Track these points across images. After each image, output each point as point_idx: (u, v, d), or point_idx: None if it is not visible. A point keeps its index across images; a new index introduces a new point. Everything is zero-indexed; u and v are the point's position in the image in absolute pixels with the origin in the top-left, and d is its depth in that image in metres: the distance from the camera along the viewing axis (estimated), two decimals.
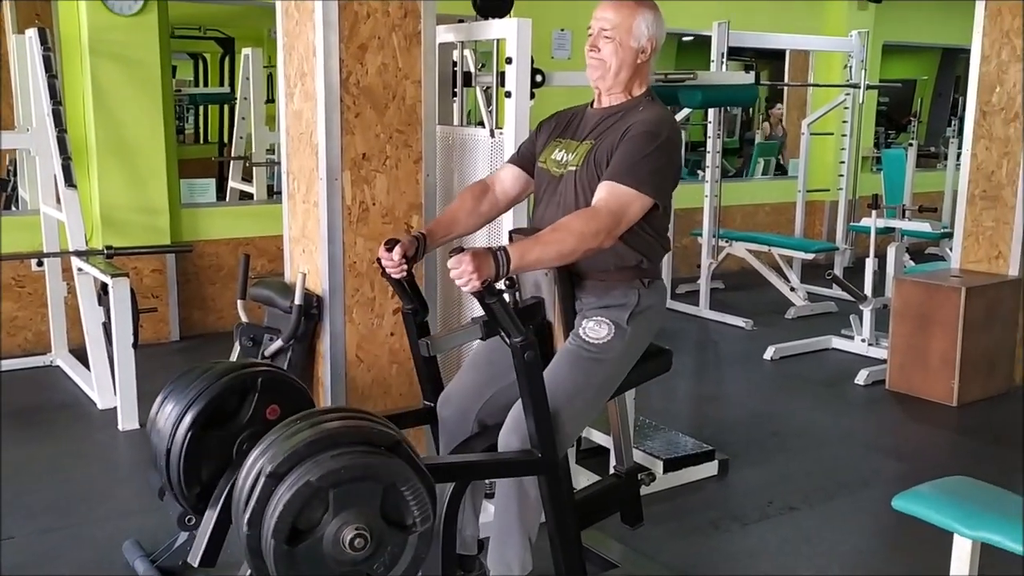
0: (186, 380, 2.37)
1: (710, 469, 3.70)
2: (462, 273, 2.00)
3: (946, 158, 9.22)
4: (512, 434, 2.22)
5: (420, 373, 2.56)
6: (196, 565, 2.31)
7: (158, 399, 2.40)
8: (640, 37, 2.35)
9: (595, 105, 2.46)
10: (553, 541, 2.30)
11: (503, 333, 2.12)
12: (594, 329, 2.30)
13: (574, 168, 2.36)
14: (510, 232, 2.54)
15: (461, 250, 2.03)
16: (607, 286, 2.33)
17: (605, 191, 2.21)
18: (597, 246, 2.17)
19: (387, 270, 2.32)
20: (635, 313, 2.33)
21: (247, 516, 1.73)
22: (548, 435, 2.17)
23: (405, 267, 2.31)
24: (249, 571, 1.79)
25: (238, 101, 7.81)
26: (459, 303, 3.28)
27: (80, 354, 4.84)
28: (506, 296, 2.33)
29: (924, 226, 6.16)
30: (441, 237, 2.47)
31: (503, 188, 2.56)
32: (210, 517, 2.30)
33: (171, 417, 2.32)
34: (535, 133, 2.56)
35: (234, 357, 2.96)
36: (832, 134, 8.05)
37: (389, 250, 2.28)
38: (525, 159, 2.55)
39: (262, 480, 1.74)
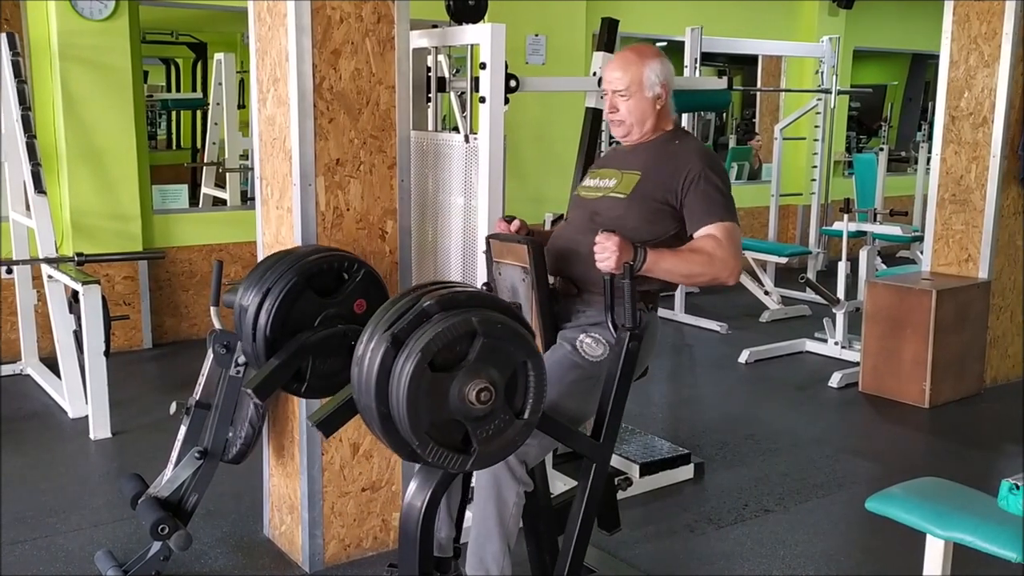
0: (289, 251, 2.59)
1: (686, 473, 3.71)
2: (606, 248, 2.17)
3: (916, 162, 9.33)
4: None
5: None
6: (251, 391, 2.42)
7: (255, 269, 2.56)
8: (653, 86, 2.49)
9: (626, 143, 2.60)
10: (568, 536, 2.28)
11: (613, 317, 2.21)
12: (591, 346, 2.36)
13: (619, 195, 2.47)
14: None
15: (612, 231, 2.20)
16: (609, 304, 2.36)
17: (715, 231, 2.35)
18: (724, 278, 2.34)
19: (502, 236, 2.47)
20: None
21: (394, 330, 1.75)
22: (614, 427, 2.22)
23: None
24: None
25: (211, 106, 7.76)
26: None
27: (51, 362, 4.78)
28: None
29: (895, 230, 6.23)
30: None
31: None
32: (278, 358, 2.43)
33: (279, 268, 2.48)
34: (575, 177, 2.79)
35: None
36: (804, 139, 8.13)
37: (508, 222, 2.47)
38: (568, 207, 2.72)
39: (418, 308, 1.77)
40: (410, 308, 1.78)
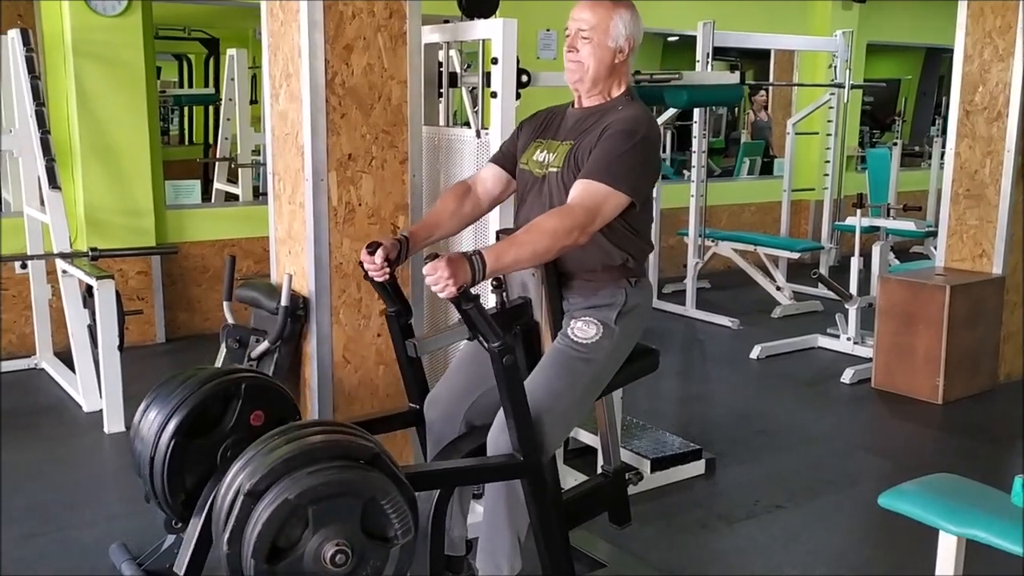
0: (169, 387, 2.36)
1: (697, 468, 3.71)
2: (438, 280, 1.99)
3: (930, 157, 9.27)
4: (501, 434, 2.22)
5: (405, 375, 2.55)
6: (182, 573, 2.29)
7: (141, 406, 2.38)
8: (618, 37, 2.34)
9: (575, 106, 2.46)
10: (539, 543, 2.30)
11: (480, 338, 2.11)
12: (582, 329, 2.31)
13: (555, 169, 2.36)
14: (497, 232, 2.54)
15: (435, 256, 2.01)
16: (595, 286, 2.34)
17: (579, 189, 2.21)
18: (572, 243, 2.16)
19: (369, 273, 2.31)
20: (623, 312, 2.34)
21: (227, 535, 1.72)
22: (530, 439, 2.17)
23: (388, 270, 2.29)
24: None
25: (223, 102, 7.78)
26: (445, 304, 3.27)
27: (65, 357, 4.81)
28: (493, 296, 2.34)
29: (909, 225, 6.19)
30: (424, 239, 2.45)
31: (485, 188, 2.55)
32: (194, 527, 2.29)
33: (154, 425, 2.30)
34: (516, 133, 2.57)
35: (220, 359, 2.95)
36: (817, 134, 8.09)
37: (371, 253, 2.27)
38: (507, 159, 2.54)
39: (240, 498, 1.72)
40: (233, 502, 1.73)
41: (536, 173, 2.42)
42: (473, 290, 2.05)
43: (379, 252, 2.26)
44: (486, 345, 2.09)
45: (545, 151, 2.42)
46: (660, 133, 2.46)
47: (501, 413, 2.24)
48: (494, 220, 2.91)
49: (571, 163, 2.32)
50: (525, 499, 2.26)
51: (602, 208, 2.19)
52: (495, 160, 2.58)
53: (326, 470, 1.75)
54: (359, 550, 1.75)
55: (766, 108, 10.01)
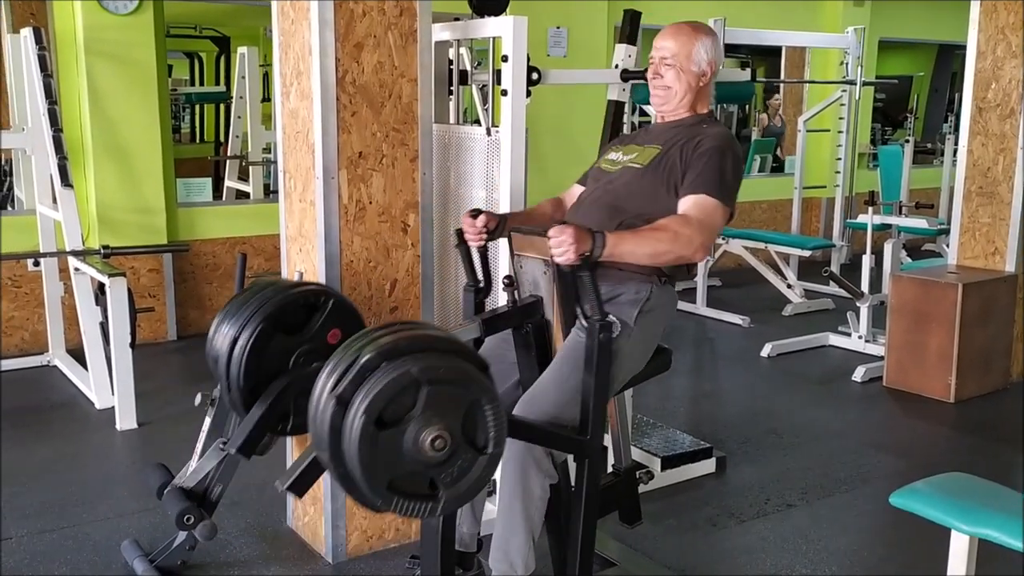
0: (259, 287, 2.50)
1: (708, 467, 3.70)
2: (562, 243, 2.08)
3: (942, 154, 9.23)
4: (532, 403, 2.24)
5: None
6: (234, 451, 2.43)
7: (224, 309, 2.52)
8: (700, 61, 2.51)
9: (659, 120, 2.62)
10: (572, 531, 2.29)
11: (582, 310, 2.17)
12: None
13: (637, 166, 2.47)
14: (510, 230, 2.55)
15: (564, 223, 2.13)
16: (624, 276, 2.36)
17: (692, 203, 2.32)
18: (690, 255, 2.27)
19: (467, 236, 2.42)
20: (644, 311, 2.35)
21: (339, 391, 1.72)
22: (600, 420, 2.20)
23: (484, 236, 2.41)
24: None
25: (234, 100, 7.80)
26: (456, 301, 3.28)
27: (77, 354, 4.84)
28: (504, 295, 2.34)
29: (921, 222, 6.17)
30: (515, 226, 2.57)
31: (572, 203, 2.68)
32: (257, 410, 2.41)
33: (244, 313, 2.43)
34: (598, 155, 2.75)
35: None
36: (828, 131, 8.05)
37: (474, 217, 2.38)
38: (587, 178, 2.69)
39: (361, 362, 1.73)
40: (352, 363, 1.75)
41: (606, 168, 2.56)
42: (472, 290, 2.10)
43: (481, 217, 2.39)
44: (586, 317, 2.16)
45: (620, 153, 2.58)
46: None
47: (528, 392, 2.27)
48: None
49: (660, 165, 2.43)
50: (576, 483, 2.28)
51: (716, 221, 2.33)
52: (579, 181, 2.73)
53: (449, 357, 1.80)
54: (454, 444, 1.77)
55: (780, 112, 9.96)
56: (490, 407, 1.80)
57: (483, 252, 2.47)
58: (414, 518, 1.78)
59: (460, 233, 2.45)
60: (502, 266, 3.00)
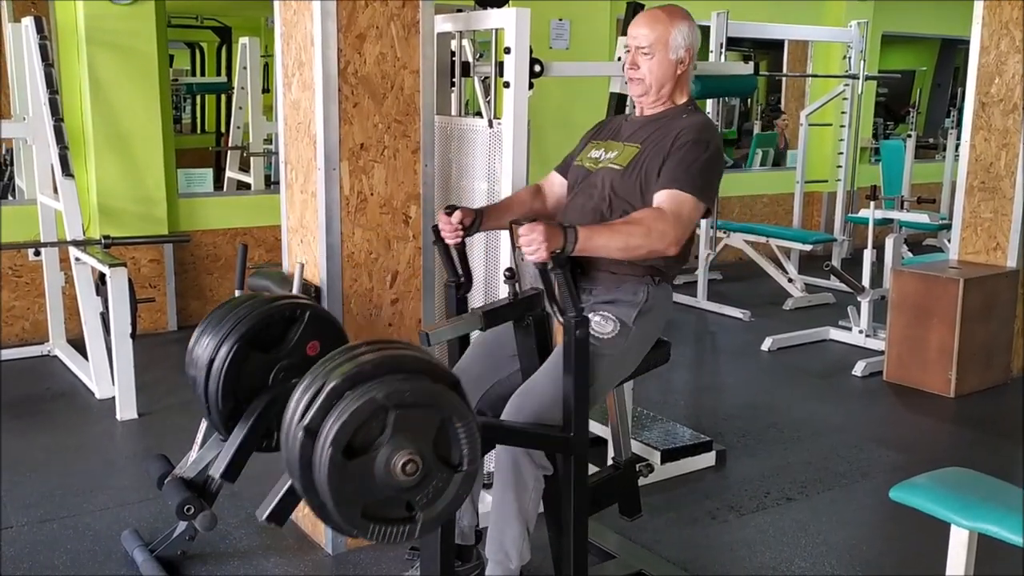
0: (235, 303, 2.46)
1: (708, 460, 3.70)
2: (532, 241, 2.06)
3: (945, 149, 9.21)
4: (514, 420, 2.23)
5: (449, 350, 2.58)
6: (217, 476, 2.40)
7: (202, 324, 2.49)
8: (677, 49, 2.42)
9: (638, 113, 2.53)
10: (563, 526, 2.30)
11: (557, 307, 2.15)
12: (600, 324, 2.32)
13: (616, 166, 2.41)
14: (510, 223, 2.54)
15: (534, 220, 2.09)
16: (618, 279, 2.35)
17: (667, 198, 2.27)
18: (663, 249, 2.23)
19: (443, 233, 2.40)
20: (642, 311, 2.35)
21: (306, 422, 1.72)
22: (583, 416, 2.20)
23: (461, 234, 2.38)
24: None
25: (235, 91, 7.79)
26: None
27: (78, 344, 4.84)
28: (506, 287, 2.34)
29: (922, 217, 6.16)
30: (494, 219, 2.54)
31: (552, 191, 2.66)
32: (239, 433, 2.38)
33: (220, 331, 2.39)
34: (578, 143, 2.66)
35: None
36: (831, 125, 8.03)
37: (448, 214, 2.35)
38: (567, 167, 2.64)
39: (326, 391, 1.73)
40: (319, 391, 1.74)
41: (589, 167, 2.49)
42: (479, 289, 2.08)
43: (457, 213, 2.36)
44: (561, 315, 2.14)
45: (602, 150, 2.50)
46: (722, 141, 2.54)
47: (513, 399, 2.26)
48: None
49: (639, 167, 2.37)
50: (562, 479, 2.27)
51: (691, 217, 2.28)
52: (558, 168, 2.69)
53: (415, 378, 1.78)
54: (427, 466, 1.76)
55: (784, 133, 9.81)
56: (461, 424, 1.78)
57: (460, 248, 2.44)
58: (392, 544, 1.77)
59: (437, 230, 2.43)
60: (503, 259, 3.00)
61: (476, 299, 2.98)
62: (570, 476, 2.25)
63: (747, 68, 4.44)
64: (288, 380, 2.41)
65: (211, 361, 2.37)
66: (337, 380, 1.73)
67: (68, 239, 4.49)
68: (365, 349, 1.85)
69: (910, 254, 7.02)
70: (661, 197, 2.28)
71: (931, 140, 11.26)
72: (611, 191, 2.39)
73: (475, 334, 2.58)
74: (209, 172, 6.39)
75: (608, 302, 2.34)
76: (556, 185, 2.66)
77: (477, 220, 2.43)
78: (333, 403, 1.72)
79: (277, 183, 3.13)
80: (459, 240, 2.40)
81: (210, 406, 2.41)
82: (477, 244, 3.19)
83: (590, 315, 2.33)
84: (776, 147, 9.48)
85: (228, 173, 7.72)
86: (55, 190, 4.66)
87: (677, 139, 2.34)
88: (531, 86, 2.96)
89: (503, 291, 2.40)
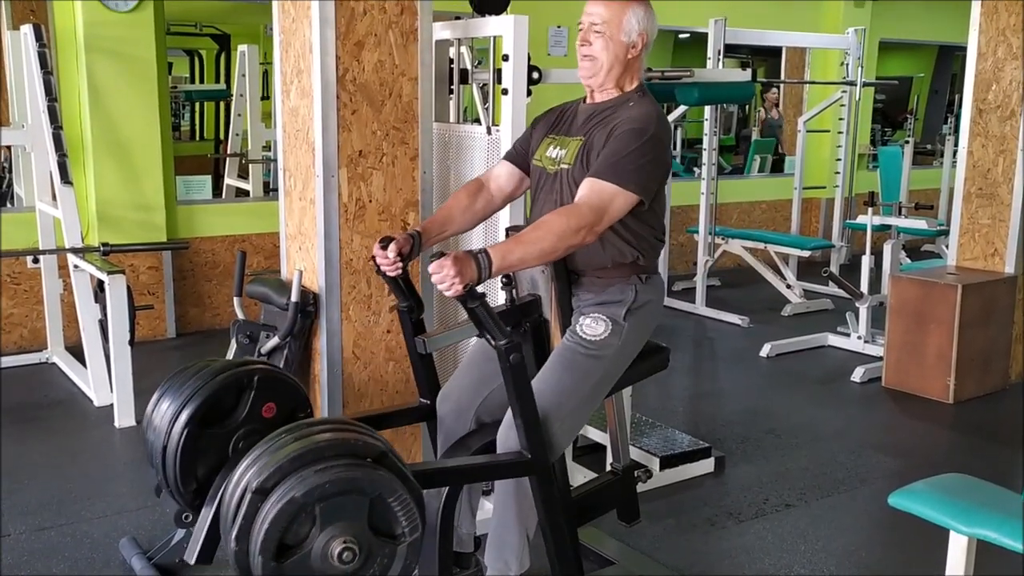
0: (182, 378, 2.37)
1: (706, 466, 3.70)
2: (444, 278, 1.99)
3: (942, 155, 9.22)
4: (511, 431, 2.22)
5: (416, 371, 2.56)
6: (192, 562, 2.30)
7: (154, 397, 2.39)
8: (631, 32, 2.33)
9: (587, 101, 2.45)
10: (547, 541, 2.30)
11: (487, 336, 2.10)
12: (591, 326, 2.30)
13: (567, 166, 2.36)
14: (507, 229, 2.54)
15: (442, 255, 2.00)
16: (604, 283, 2.33)
17: (587, 188, 2.21)
18: (579, 242, 2.16)
19: (381, 268, 2.31)
20: (632, 309, 2.34)
21: (234, 532, 1.72)
22: (538, 437, 2.17)
23: (400, 265, 2.30)
24: None
25: (234, 98, 7.79)
26: (456, 301, 3.27)
27: (76, 351, 4.84)
28: (503, 293, 2.34)
29: (920, 223, 6.17)
30: (436, 235, 2.45)
31: (499, 185, 2.55)
32: (206, 515, 2.29)
33: (167, 415, 2.31)
34: (530, 130, 2.56)
35: (231, 354, 2.96)
36: (828, 131, 8.06)
37: (384, 248, 2.27)
38: (519, 156, 2.54)
39: (248, 496, 1.72)
40: (241, 500, 1.72)
41: (549, 170, 2.42)
42: (480, 287, 2.05)
43: (392, 247, 2.26)
44: (492, 343, 2.09)
45: (558, 147, 2.42)
46: (671, 130, 2.45)
47: (511, 410, 2.24)
48: (504, 217, 2.91)
49: (582, 160, 2.32)
50: (533, 497, 2.26)
51: (609, 207, 2.19)
52: (508, 157, 2.58)
53: (333, 468, 1.74)
54: (366, 547, 1.75)
55: (777, 106, 9.98)
56: (394, 498, 1.77)
57: (404, 277, 2.37)
58: None
59: (375, 260, 2.32)
60: None
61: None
62: (537, 497, 2.23)
63: (745, 75, 4.45)
64: (248, 448, 2.24)
65: (164, 448, 2.29)
66: (257, 481, 1.72)
67: (67, 246, 4.49)
68: (287, 438, 1.82)
69: (908, 260, 7.04)
70: (584, 187, 2.22)
71: (929, 146, 11.29)
72: (571, 194, 2.32)
73: (472, 340, 2.58)
74: (208, 179, 6.39)
75: (598, 304, 2.34)
76: (504, 177, 2.54)
77: (416, 245, 2.35)
78: (258, 507, 1.71)
79: (276, 190, 3.13)
80: (399, 272, 2.31)
81: (172, 491, 2.34)
82: (476, 243, 3.19)
83: (580, 318, 2.33)
84: (774, 143, 9.48)
85: (227, 180, 7.72)
86: (54, 197, 4.66)
87: (614, 130, 2.28)
88: (529, 93, 2.97)
89: (500, 297, 2.39)
